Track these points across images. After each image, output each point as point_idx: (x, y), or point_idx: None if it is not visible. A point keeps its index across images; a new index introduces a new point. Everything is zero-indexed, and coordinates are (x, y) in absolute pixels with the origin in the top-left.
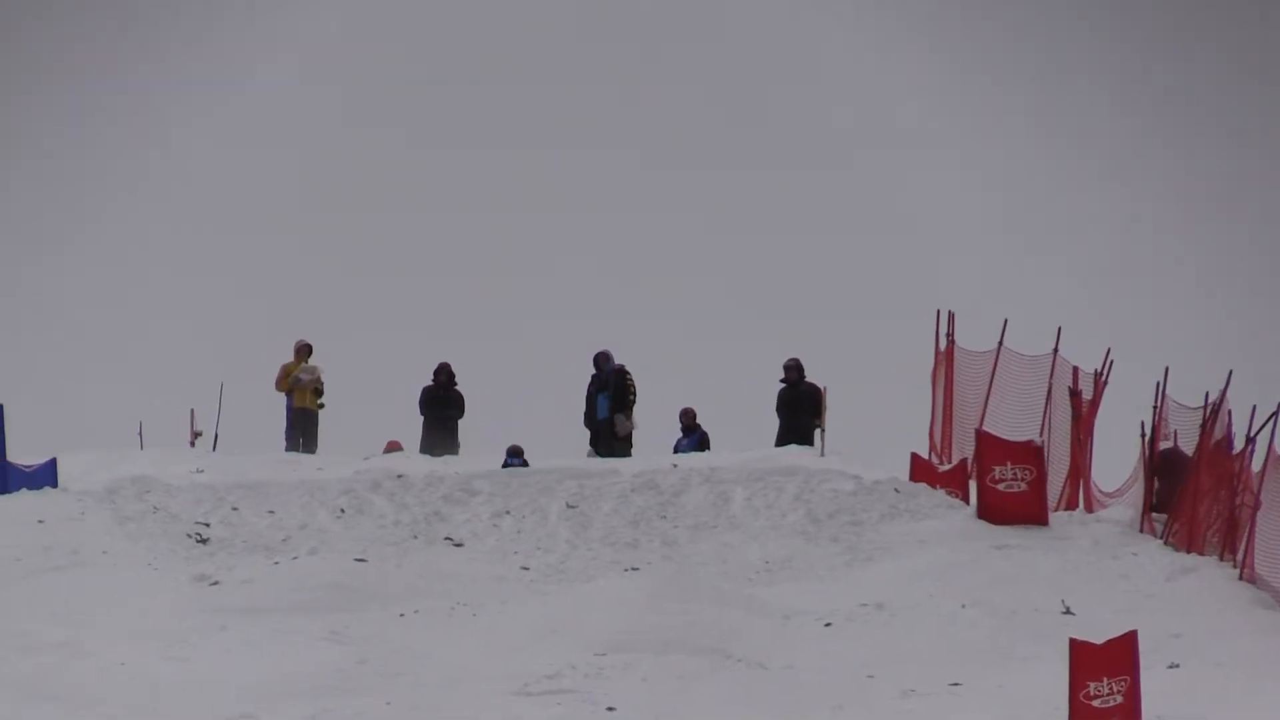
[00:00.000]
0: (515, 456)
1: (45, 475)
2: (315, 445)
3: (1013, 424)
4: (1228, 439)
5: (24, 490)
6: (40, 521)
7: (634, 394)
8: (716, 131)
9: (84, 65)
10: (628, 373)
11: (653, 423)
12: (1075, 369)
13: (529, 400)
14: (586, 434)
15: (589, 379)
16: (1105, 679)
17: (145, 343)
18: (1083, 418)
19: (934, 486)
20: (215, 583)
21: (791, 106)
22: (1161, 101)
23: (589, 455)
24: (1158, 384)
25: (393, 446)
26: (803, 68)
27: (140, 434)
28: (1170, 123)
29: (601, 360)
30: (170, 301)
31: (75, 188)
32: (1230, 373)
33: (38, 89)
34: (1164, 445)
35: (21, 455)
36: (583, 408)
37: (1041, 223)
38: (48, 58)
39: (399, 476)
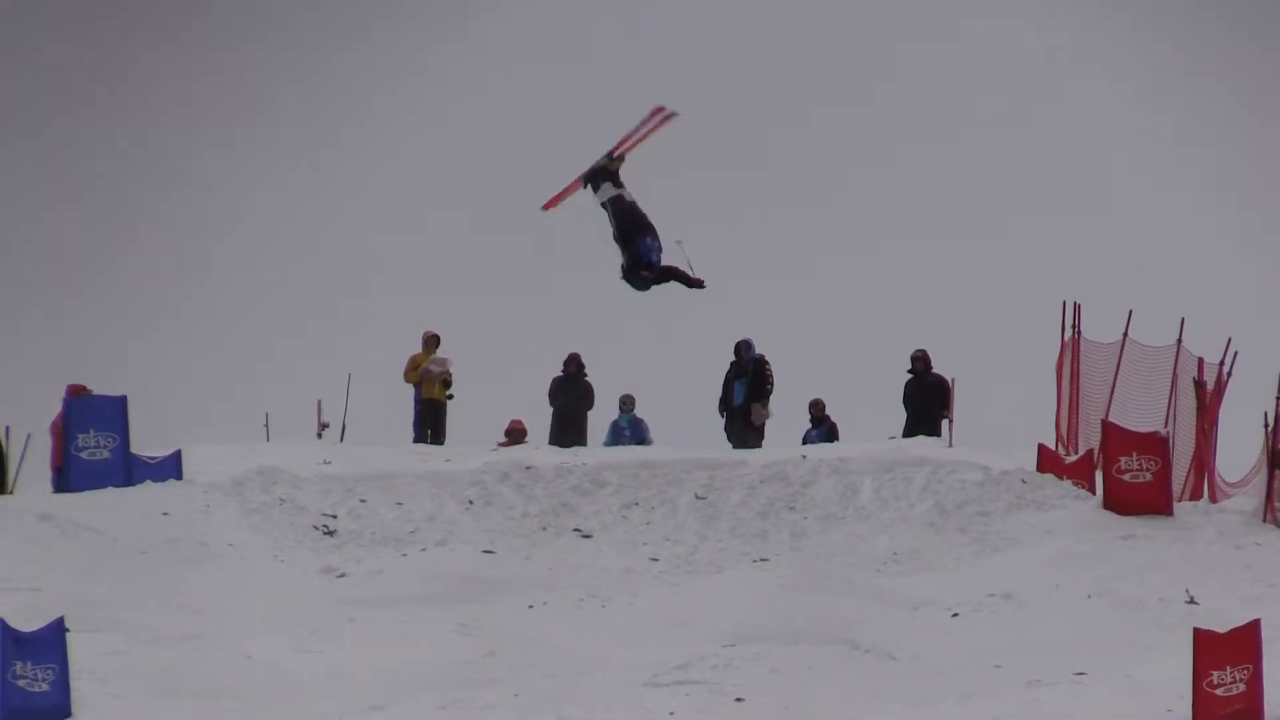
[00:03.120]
0: (627, 409)
1: (170, 467)
2: (443, 436)
3: (1138, 415)
4: None
5: (148, 482)
6: (165, 514)
7: (772, 384)
8: (841, 126)
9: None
10: (767, 362)
11: (782, 414)
12: (1200, 360)
13: (661, 389)
14: (720, 421)
15: (728, 366)
16: (1229, 667)
17: (272, 334)
18: (1207, 408)
19: (1060, 477)
20: (343, 575)
21: (917, 96)
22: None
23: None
24: (1279, 375)
25: (515, 426)
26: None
27: (266, 425)
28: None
29: (743, 349)
30: (296, 293)
31: (190, 178)
32: None
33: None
34: None
35: (146, 447)
36: (718, 394)
37: (1166, 210)
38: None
39: (528, 468)
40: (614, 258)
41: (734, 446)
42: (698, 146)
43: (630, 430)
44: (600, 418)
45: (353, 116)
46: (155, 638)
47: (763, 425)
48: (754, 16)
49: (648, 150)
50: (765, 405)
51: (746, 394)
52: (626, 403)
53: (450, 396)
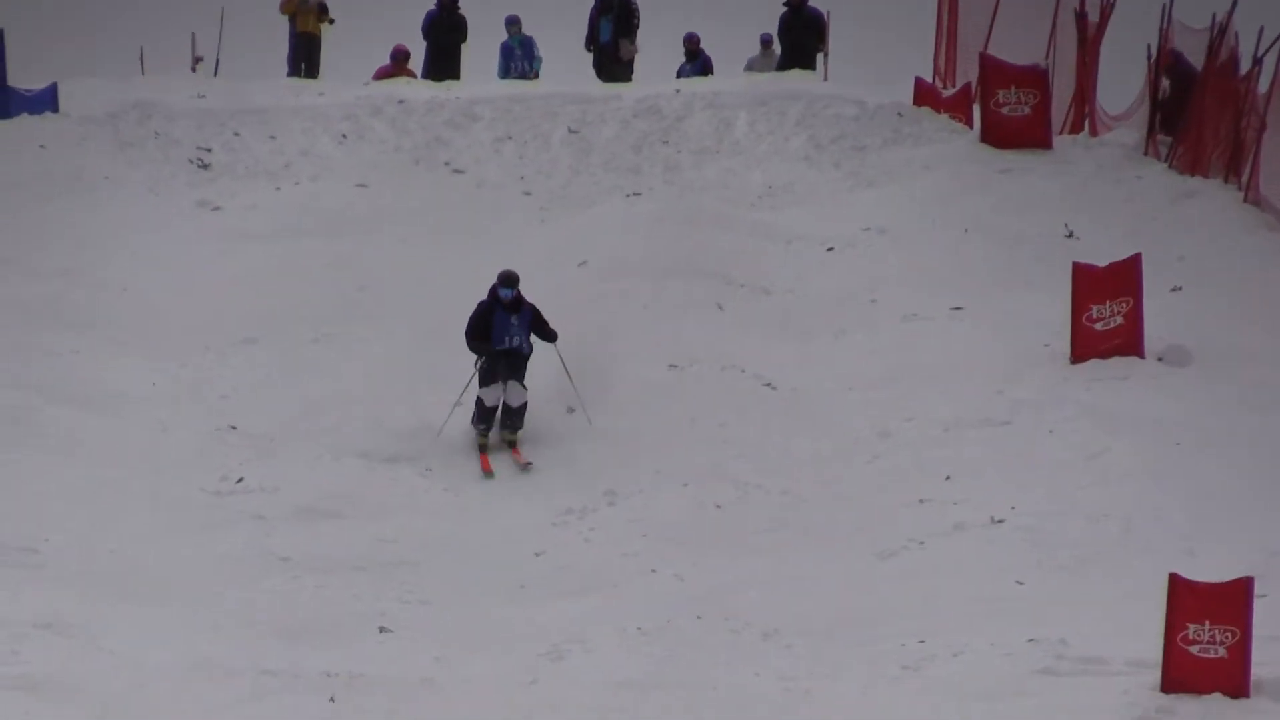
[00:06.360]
0: (508, 286)
1: (46, 99)
2: (318, 71)
3: (1018, 47)
4: (1234, 61)
5: (25, 115)
6: (41, 146)
7: (638, 19)
8: None
9: None
10: None
11: (655, 50)
12: None
13: (533, 24)
14: (587, 57)
15: (593, 3)
16: (1108, 301)
17: None
18: (1088, 40)
19: (937, 111)
20: (217, 208)
21: None
22: None
23: None
24: (1164, 6)
25: (400, 50)
26: None
27: (141, 59)
28: None
29: None
30: None
31: None
32: None
33: None
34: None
35: (23, 80)
36: (585, 32)
37: None
38: None
39: (400, 102)
40: None
41: (604, 82)
42: None
43: (521, 50)
44: (473, 52)
45: None
46: (31, 270)
47: (631, 61)
48: None
49: None
50: (633, 41)
51: (613, 30)
52: (513, 24)
53: (332, 21)
